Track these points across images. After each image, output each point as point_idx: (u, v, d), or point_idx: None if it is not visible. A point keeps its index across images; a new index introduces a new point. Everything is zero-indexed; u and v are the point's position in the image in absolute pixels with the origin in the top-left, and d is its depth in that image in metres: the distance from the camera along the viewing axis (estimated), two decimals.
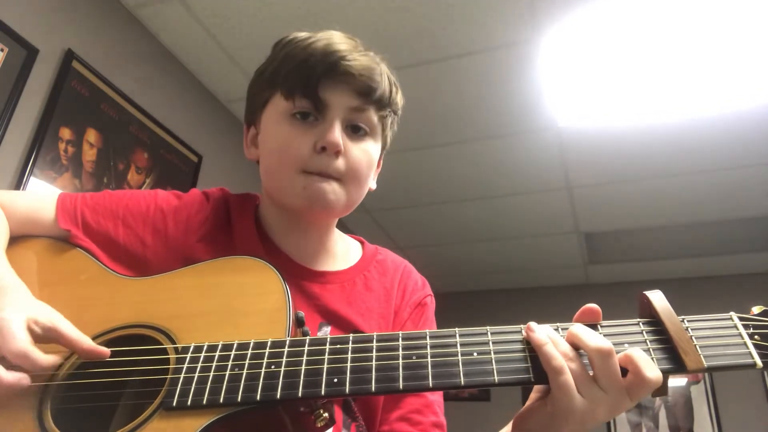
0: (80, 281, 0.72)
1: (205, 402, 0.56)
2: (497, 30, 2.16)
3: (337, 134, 0.72)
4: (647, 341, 0.56)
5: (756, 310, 0.58)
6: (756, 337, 0.55)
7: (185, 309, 0.67)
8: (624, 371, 0.54)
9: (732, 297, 3.78)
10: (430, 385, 0.55)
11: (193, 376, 0.58)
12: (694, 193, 3.16)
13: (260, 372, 0.57)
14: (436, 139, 2.87)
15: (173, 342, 0.63)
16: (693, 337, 0.55)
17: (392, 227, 3.85)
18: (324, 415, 0.59)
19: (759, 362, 0.53)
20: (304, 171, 0.72)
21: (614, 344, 0.54)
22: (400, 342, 0.58)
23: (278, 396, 0.55)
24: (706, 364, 0.53)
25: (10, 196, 0.79)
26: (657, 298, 0.58)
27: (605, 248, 3.91)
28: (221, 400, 0.56)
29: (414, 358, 0.57)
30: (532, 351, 0.56)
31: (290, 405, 0.58)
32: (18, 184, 1.71)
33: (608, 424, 3.94)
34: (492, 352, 0.56)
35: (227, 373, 0.58)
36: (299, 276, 0.77)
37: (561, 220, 3.57)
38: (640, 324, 0.58)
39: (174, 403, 0.57)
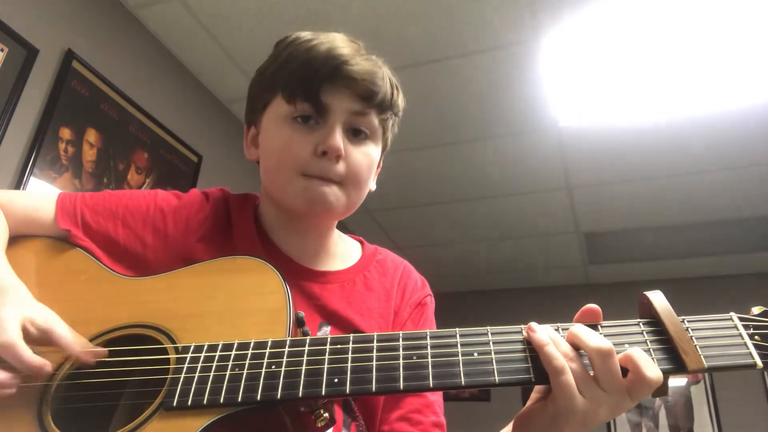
0: (80, 281, 0.72)
1: (205, 402, 0.56)
2: (498, 30, 2.16)
3: (338, 139, 0.71)
4: (647, 341, 0.56)
5: (756, 310, 0.58)
6: (756, 337, 0.55)
7: (185, 309, 0.67)
8: (624, 371, 0.54)
9: (732, 297, 3.78)
10: (431, 385, 0.55)
11: (194, 376, 0.58)
12: (694, 193, 3.16)
13: (261, 372, 0.57)
14: (436, 139, 2.87)
15: (173, 342, 0.63)
16: (693, 338, 0.55)
17: (392, 227, 3.85)
18: (324, 415, 0.59)
19: (759, 362, 0.53)
20: (305, 174, 0.72)
21: (614, 344, 0.54)
22: (401, 342, 0.58)
23: (279, 396, 0.55)
24: (706, 364, 0.53)
25: (9, 196, 0.79)
26: (657, 298, 0.58)
27: (605, 248, 3.91)
28: (222, 400, 0.56)
29: (414, 358, 0.57)
30: (532, 351, 0.56)
31: (291, 405, 0.58)
32: (18, 184, 1.71)
33: (608, 424, 3.94)
34: (492, 352, 0.56)
35: (228, 373, 0.58)
36: (299, 276, 0.77)
37: (561, 220, 3.57)
38: (641, 324, 0.58)
39: (174, 403, 0.57)
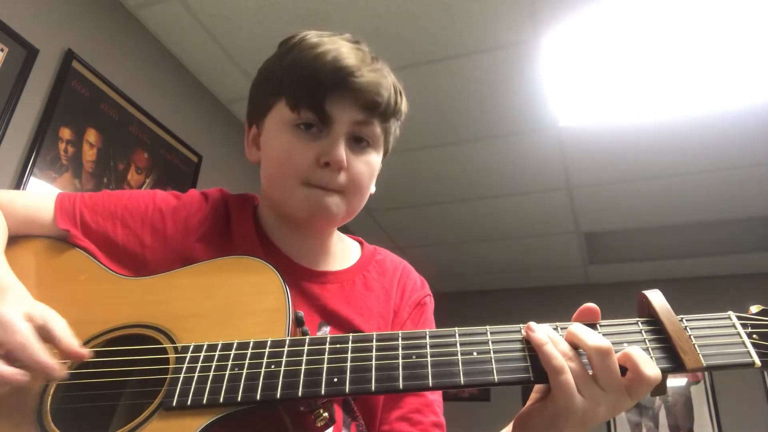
0: (79, 281, 0.72)
1: (205, 402, 0.56)
2: (497, 30, 2.16)
3: (342, 151, 0.71)
4: (646, 340, 0.56)
5: (754, 309, 0.58)
6: (754, 336, 0.55)
7: (185, 309, 0.67)
8: (623, 370, 0.54)
9: (732, 297, 3.78)
10: (430, 384, 0.55)
11: (193, 376, 0.58)
12: (694, 193, 3.16)
13: (260, 372, 0.57)
14: (436, 139, 2.87)
15: (173, 342, 0.63)
16: (692, 336, 0.55)
17: (392, 227, 3.85)
18: (324, 414, 0.59)
19: (757, 361, 0.53)
20: (307, 183, 0.73)
21: (613, 343, 0.54)
22: (400, 341, 0.58)
23: (278, 396, 0.56)
24: (704, 363, 0.53)
25: (9, 196, 0.79)
26: (656, 297, 0.58)
27: (605, 248, 3.91)
28: (221, 400, 0.56)
29: (414, 357, 0.57)
30: (531, 350, 0.56)
31: (290, 404, 0.58)
32: (18, 184, 1.71)
33: (608, 424, 3.94)
34: (492, 352, 0.56)
35: (227, 372, 0.58)
36: (298, 276, 0.77)
37: (561, 220, 3.57)
38: (639, 323, 0.58)
39: (174, 403, 0.57)
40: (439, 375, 0.55)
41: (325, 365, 0.57)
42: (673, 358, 0.55)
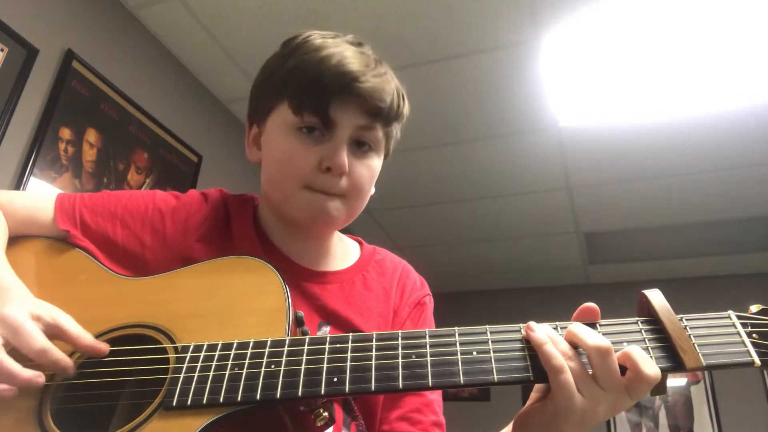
0: (79, 281, 0.72)
1: (205, 401, 0.56)
2: (497, 30, 2.16)
3: (344, 157, 0.71)
4: (646, 340, 0.56)
5: (754, 308, 0.58)
6: (754, 335, 0.55)
7: (185, 309, 0.67)
8: (623, 370, 0.54)
9: (732, 297, 3.78)
10: (430, 384, 0.55)
11: (193, 376, 0.58)
12: (694, 193, 3.16)
13: (260, 371, 0.57)
14: (436, 139, 2.87)
15: (173, 342, 0.63)
16: (691, 336, 0.55)
17: (392, 227, 3.85)
18: (324, 414, 0.59)
19: (757, 360, 0.53)
20: (308, 187, 0.73)
21: (613, 343, 0.54)
22: (400, 341, 0.58)
23: (278, 395, 0.56)
24: (704, 362, 0.53)
25: (9, 196, 0.79)
26: (655, 297, 0.58)
27: (605, 248, 3.91)
28: (221, 400, 0.56)
29: (413, 357, 0.57)
30: (531, 350, 0.56)
31: (290, 404, 0.58)
32: (18, 184, 1.71)
33: (608, 424, 3.94)
34: (491, 351, 0.56)
35: (227, 372, 0.58)
36: (298, 276, 0.77)
37: (561, 220, 3.57)
38: (639, 323, 0.58)
39: (174, 403, 0.57)
40: (439, 375, 0.55)
41: (325, 365, 0.57)
42: (673, 358, 0.55)
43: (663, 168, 2.97)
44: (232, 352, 0.60)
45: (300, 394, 0.55)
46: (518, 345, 0.57)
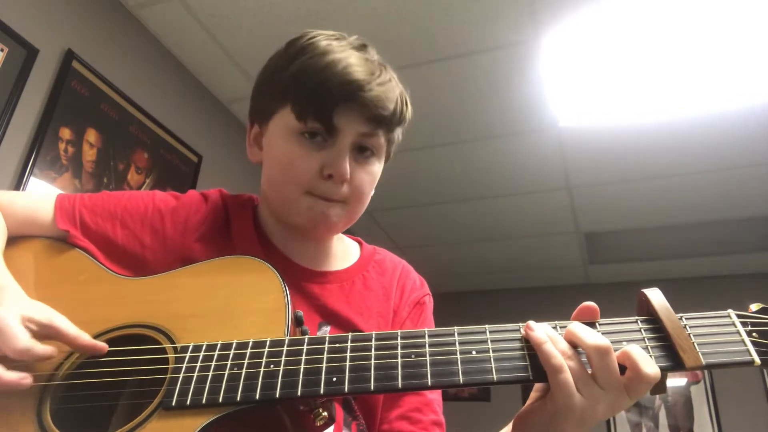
0: (79, 281, 0.72)
1: (204, 401, 0.56)
2: (497, 30, 2.16)
3: (346, 165, 0.71)
4: (645, 339, 0.56)
5: (754, 307, 0.58)
6: (754, 334, 0.55)
7: (184, 309, 0.67)
8: (622, 369, 0.54)
9: (732, 297, 3.77)
10: (429, 383, 0.55)
11: (192, 376, 0.58)
12: (694, 193, 3.16)
13: (259, 371, 0.57)
14: (436, 139, 2.87)
15: (172, 342, 0.63)
16: (691, 335, 0.55)
17: (392, 227, 3.85)
18: (323, 414, 0.59)
19: (757, 359, 0.53)
20: (309, 193, 0.73)
21: (612, 342, 0.54)
22: (399, 341, 0.58)
23: (277, 395, 0.56)
24: (704, 361, 0.53)
25: (8, 197, 0.79)
26: (655, 296, 0.58)
27: (605, 248, 3.91)
28: (220, 400, 0.56)
29: (413, 356, 0.57)
30: (530, 349, 0.56)
31: (289, 404, 0.58)
32: (18, 184, 1.71)
33: (608, 423, 3.94)
34: (491, 351, 0.56)
35: (226, 372, 0.58)
36: (298, 276, 0.77)
37: (561, 220, 3.57)
38: (639, 322, 0.58)
39: (173, 403, 0.57)
40: (438, 374, 0.55)
41: (324, 365, 0.57)
42: (673, 357, 0.54)
43: (663, 168, 2.97)
44: (231, 351, 0.60)
45: (299, 393, 0.55)
46: (517, 344, 0.57)
